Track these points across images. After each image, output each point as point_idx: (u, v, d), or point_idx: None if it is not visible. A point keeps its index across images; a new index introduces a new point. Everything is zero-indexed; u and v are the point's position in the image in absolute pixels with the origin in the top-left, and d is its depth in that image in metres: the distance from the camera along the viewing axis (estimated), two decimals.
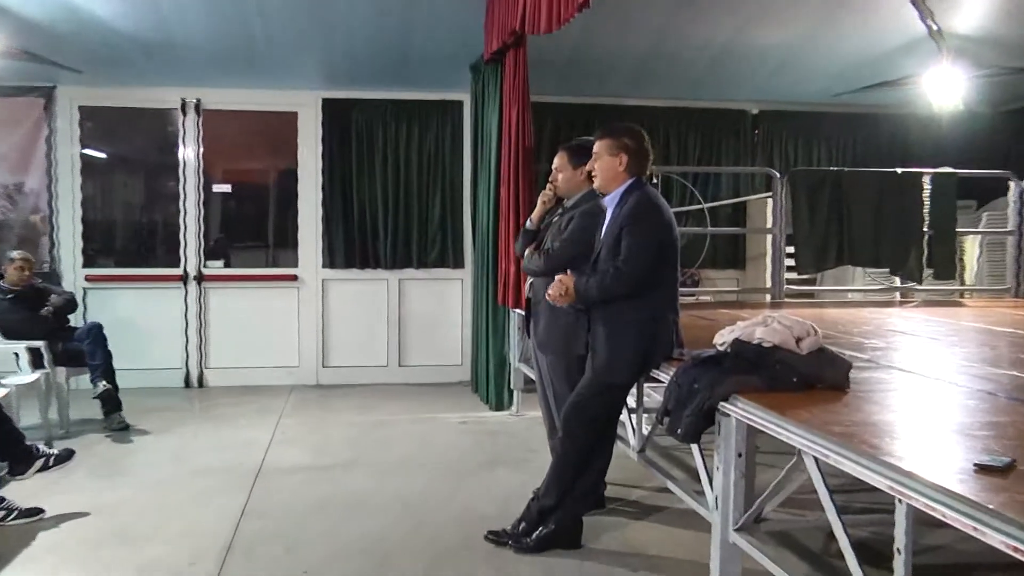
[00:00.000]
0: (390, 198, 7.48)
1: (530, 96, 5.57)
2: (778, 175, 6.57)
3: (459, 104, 7.48)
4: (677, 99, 7.79)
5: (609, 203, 3.52)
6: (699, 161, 7.93)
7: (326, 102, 7.44)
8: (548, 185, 4.25)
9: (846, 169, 6.79)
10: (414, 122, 7.50)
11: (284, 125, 7.49)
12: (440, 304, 7.68)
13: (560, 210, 4.20)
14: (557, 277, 3.54)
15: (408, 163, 7.50)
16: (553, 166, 4.20)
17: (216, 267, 7.47)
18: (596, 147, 3.54)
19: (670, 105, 7.82)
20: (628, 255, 3.32)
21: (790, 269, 6.64)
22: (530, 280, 4.34)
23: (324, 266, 7.54)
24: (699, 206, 7.39)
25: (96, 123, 7.40)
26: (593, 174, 3.57)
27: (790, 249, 6.57)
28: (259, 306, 7.49)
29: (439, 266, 7.61)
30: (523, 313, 4.66)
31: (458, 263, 7.60)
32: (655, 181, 3.60)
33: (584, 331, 3.60)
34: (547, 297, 3.61)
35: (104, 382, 5.77)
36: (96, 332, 5.87)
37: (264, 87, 7.30)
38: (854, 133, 8.17)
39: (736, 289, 7.71)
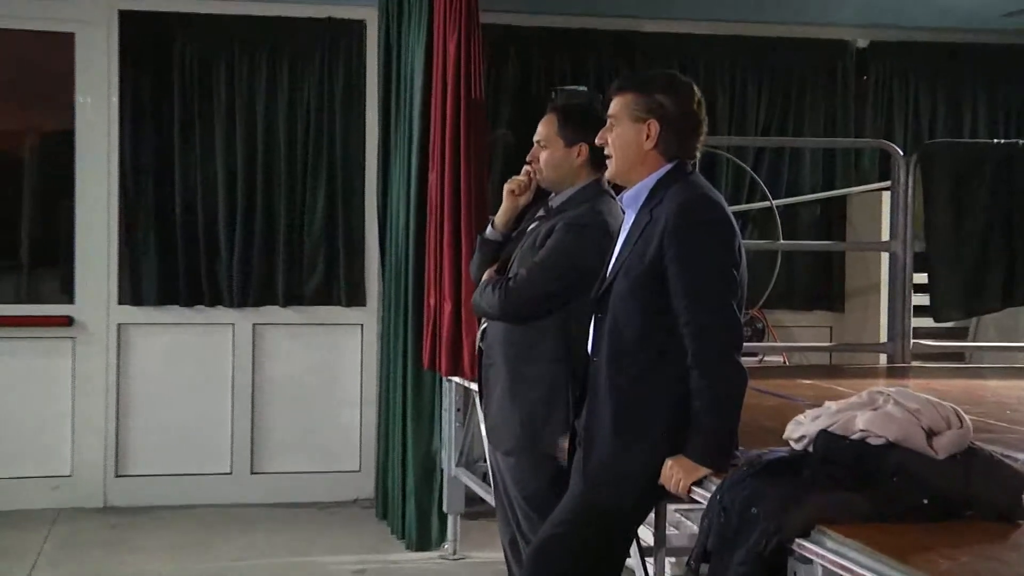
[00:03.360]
0: (240, 186, 7.46)
1: (479, 15, 5.60)
2: (901, 152, 6.61)
3: (359, 26, 7.54)
4: (729, 22, 7.87)
5: (630, 202, 3.51)
6: (766, 128, 8.01)
7: (126, 17, 7.40)
8: (524, 168, 4.29)
9: (1020, 142, 6.90)
10: (282, 56, 7.51)
11: (51, 56, 7.46)
12: (325, 368, 7.68)
13: (541, 211, 4.24)
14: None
15: (271, 126, 7.50)
16: (535, 138, 4.24)
17: None
18: (613, 107, 3.54)
19: (717, 32, 7.91)
20: (706, 290, 3.30)
21: (922, 311, 6.69)
22: (484, 324, 4.37)
23: (121, 301, 7.47)
24: (765, 203, 7.45)
25: None
26: (607, 151, 3.56)
27: (921, 278, 6.63)
28: (1, 370, 7.39)
29: (323, 302, 7.63)
30: (469, 384, 4.62)
31: (355, 298, 7.61)
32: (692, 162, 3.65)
33: (567, 408, 3.58)
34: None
35: None
36: None
37: None
38: None
39: (828, 345, 7.77)
